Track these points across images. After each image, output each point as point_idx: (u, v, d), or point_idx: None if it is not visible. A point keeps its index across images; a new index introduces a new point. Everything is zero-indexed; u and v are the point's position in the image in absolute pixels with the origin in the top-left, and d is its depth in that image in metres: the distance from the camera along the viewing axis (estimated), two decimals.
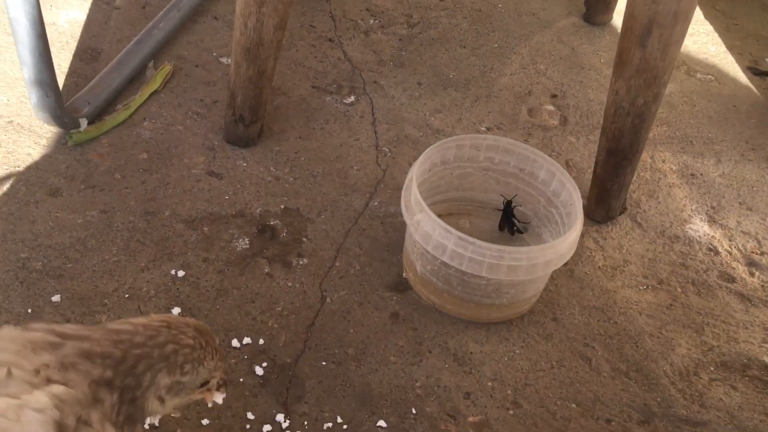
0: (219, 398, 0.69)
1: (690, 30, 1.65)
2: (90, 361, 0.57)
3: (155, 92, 1.24)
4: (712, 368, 1.00)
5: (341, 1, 1.56)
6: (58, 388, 0.52)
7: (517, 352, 0.98)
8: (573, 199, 1.00)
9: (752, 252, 1.17)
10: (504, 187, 1.10)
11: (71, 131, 1.12)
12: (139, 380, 0.60)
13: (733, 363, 1.01)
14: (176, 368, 0.62)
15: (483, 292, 0.96)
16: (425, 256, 0.96)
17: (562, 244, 0.93)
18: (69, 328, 0.60)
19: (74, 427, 0.51)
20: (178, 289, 0.97)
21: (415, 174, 0.98)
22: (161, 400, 0.62)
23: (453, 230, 0.91)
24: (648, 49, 0.98)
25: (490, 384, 0.93)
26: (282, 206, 1.11)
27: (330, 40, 1.45)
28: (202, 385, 0.66)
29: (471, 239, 0.90)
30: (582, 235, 1.15)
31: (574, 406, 0.93)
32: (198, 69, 1.32)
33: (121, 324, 0.62)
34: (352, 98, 1.33)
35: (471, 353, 0.97)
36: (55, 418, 0.50)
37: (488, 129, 1.32)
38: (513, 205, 1.09)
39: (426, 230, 0.93)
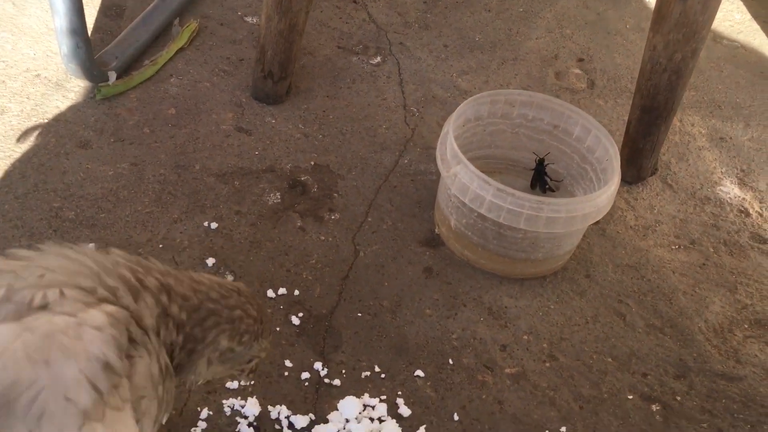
0: (249, 382, 0.69)
1: None
2: (170, 297, 0.57)
3: (181, 49, 1.23)
4: (746, 326, 1.00)
5: None
6: (110, 308, 0.51)
7: (552, 307, 0.97)
8: (609, 154, 0.99)
9: None
10: (537, 145, 1.09)
11: (99, 85, 1.10)
12: (205, 334, 0.60)
13: (767, 321, 1.01)
14: (237, 335, 0.62)
15: (519, 246, 0.95)
16: (461, 210, 0.96)
17: (601, 196, 0.92)
18: (154, 262, 0.60)
19: (127, 346, 0.51)
20: (211, 240, 0.96)
21: (451, 127, 0.96)
22: (210, 363, 0.62)
23: (492, 181, 0.90)
24: (689, 3, 0.97)
25: (525, 337, 0.93)
26: (312, 162, 1.10)
27: (354, 1, 1.43)
28: (249, 361, 0.66)
29: (510, 190, 0.90)
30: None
31: (610, 360, 0.93)
32: (223, 27, 1.30)
33: (200, 276, 0.62)
34: (379, 59, 1.32)
35: (506, 307, 0.96)
36: (113, 335, 0.49)
37: None
38: (546, 162, 1.08)
39: (463, 182, 0.92)
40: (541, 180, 1.09)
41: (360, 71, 1.28)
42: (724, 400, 0.90)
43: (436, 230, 1.04)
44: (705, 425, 0.87)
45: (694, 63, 1.03)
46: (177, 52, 1.22)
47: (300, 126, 1.16)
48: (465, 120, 1.04)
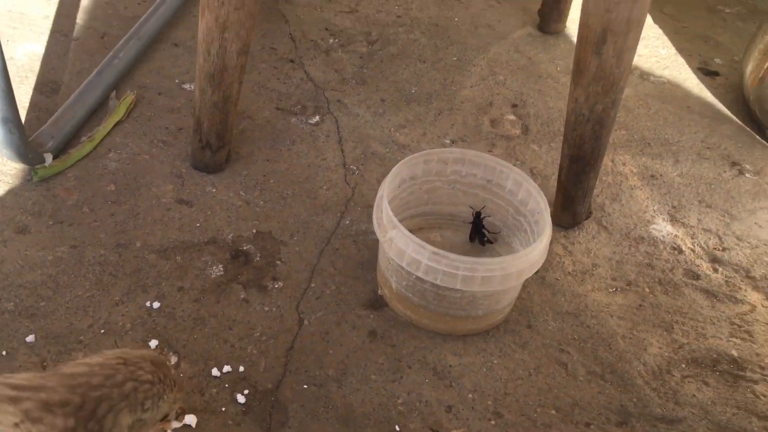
0: (179, 424, 0.69)
1: (642, 34, 1.70)
2: (51, 413, 0.56)
3: (119, 122, 1.24)
4: (683, 365, 1.03)
5: (300, 21, 1.57)
6: None
7: (495, 362, 0.99)
8: (540, 207, 1.02)
9: (714, 249, 1.21)
10: (472, 199, 1.12)
11: (36, 167, 1.10)
12: (102, 424, 0.59)
13: (703, 359, 1.04)
14: (137, 406, 0.61)
15: (458, 304, 0.97)
16: (400, 272, 0.98)
17: (533, 252, 0.95)
18: (21, 378, 0.58)
19: None
20: (154, 320, 0.96)
21: (385, 191, 0.99)
22: None
23: (426, 245, 0.92)
24: (603, 57, 1.01)
25: (470, 396, 0.95)
26: (254, 230, 1.11)
27: (291, 61, 1.46)
28: (163, 418, 0.66)
29: (444, 253, 0.92)
30: (551, 242, 1.18)
31: (553, 412, 0.95)
32: (161, 97, 1.32)
33: (75, 367, 0.61)
34: (317, 118, 1.34)
35: (450, 366, 0.98)
36: None
37: (452, 142, 1.34)
38: (482, 216, 1.11)
39: (400, 246, 0.94)
40: (479, 233, 1.11)
41: (299, 132, 1.31)
42: None
43: (379, 291, 1.05)
44: None
45: (615, 112, 1.08)
46: (115, 126, 1.23)
47: (241, 193, 1.17)
48: (401, 181, 1.06)
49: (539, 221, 1.02)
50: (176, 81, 1.35)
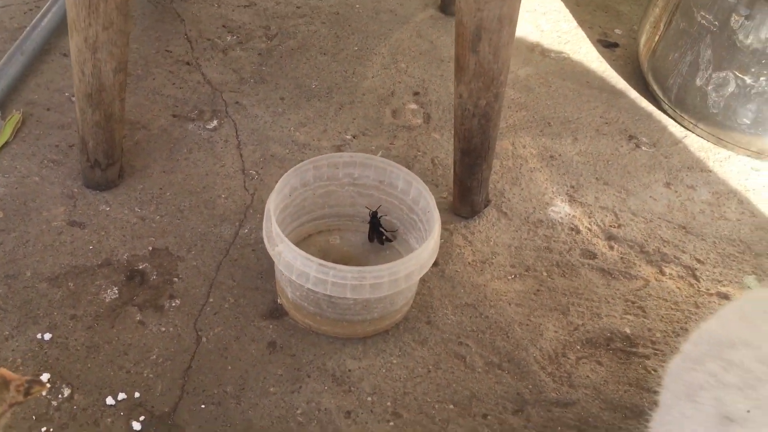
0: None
1: (542, 9, 1.71)
2: None
3: (6, 144, 1.21)
4: (578, 347, 1.06)
5: (196, 19, 1.54)
6: None
7: (395, 362, 1.01)
8: (429, 206, 1.03)
9: (610, 226, 1.24)
10: (368, 200, 1.12)
11: None
12: None
13: (598, 338, 1.08)
14: None
15: (353, 310, 0.98)
16: (293, 283, 0.98)
17: (422, 254, 0.96)
18: None
19: None
20: (45, 353, 0.95)
21: (272, 204, 0.99)
22: None
23: (313, 258, 0.93)
24: (481, 54, 1.02)
25: (369, 399, 0.96)
26: (150, 248, 1.10)
27: (188, 63, 1.43)
28: None
29: (331, 264, 0.92)
30: (451, 234, 1.20)
31: (451, 406, 0.97)
32: (50, 112, 1.28)
33: None
34: (215, 123, 1.33)
35: (349, 371, 0.99)
36: None
37: (354, 137, 1.34)
38: (379, 215, 1.12)
39: (288, 260, 0.94)
40: (377, 232, 1.12)
41: (197, 139, 1.29)
42: (559, 428, 0.96)
43: (279, 300, 1.06)
44: None
45: (499, 105, 1.09)
46: (1, 148, 1.20)
47: (136, 209, 1.16)
48: (291, 189, 1.06)
49: (429, 220, 1.03)
50: (66, 94, 1.32)
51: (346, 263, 1.08)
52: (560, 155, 1.36)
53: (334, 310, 0.98)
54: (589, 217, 1.25)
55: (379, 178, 1.10)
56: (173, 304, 1.03)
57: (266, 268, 1.10)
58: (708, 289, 1.15)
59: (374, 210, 1.12)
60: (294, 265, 0.94)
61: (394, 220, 1.13)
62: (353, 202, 1.13)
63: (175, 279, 1.07)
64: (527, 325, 1.08)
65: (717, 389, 0.65)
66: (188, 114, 1.33)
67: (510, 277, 1.15)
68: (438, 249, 1.01)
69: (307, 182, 1.08)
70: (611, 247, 1.21)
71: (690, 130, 1.42)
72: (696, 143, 1.41)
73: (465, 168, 1.16)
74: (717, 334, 0.71)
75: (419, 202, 1.06)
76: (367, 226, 1.13)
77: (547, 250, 1.19)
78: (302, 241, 1.13)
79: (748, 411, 0.60)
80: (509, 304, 1.11)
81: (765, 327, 0.68)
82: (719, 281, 1.17)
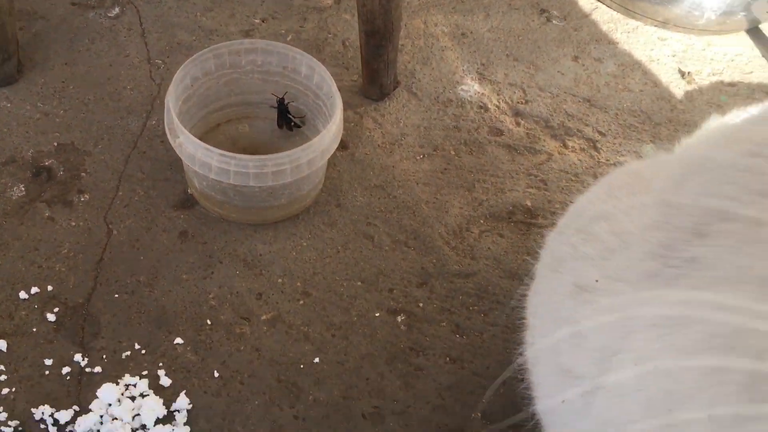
0: None
1: None
2: None
3: None
4: (482, 221, 1.12)
5: None
6: None
7: (305, 244, 1.05)
8: (332, 91, 1.04)
9: (518, 102, 1.27)
10: (274, 87, 1.12)
11: None
12: None
13: (500, 212, 1.13)
14: None
15: (259, 197, 1.01)
16: (198, 174, 1.00)
17: (323, 140, 0.98)
18: None
19: None
20: None
21: (172, 96, 0.98)
22: None
23: (213, 149, 0.94)
24: None
25: (280, 281, 1.01)
26: (55, 143, 1.10)
27: None
28: None
29: (231, 155, 0.94)
30: (361, 117, 1.21)
31: (359, 283, 1.02)
32: None
33: None
34: (117, 10, 1.28)
35: (260, 255, 1.03)
36: None
37: (263, 20, 1.31)
38: (286, 102, 1.12)
39: (189, 151, 0.95)
40: (285, 118, 1.13)
41: (98, 28, 1.25)
42: (460, 297, 1.03)
43: (189, 190, 1.07)
44: (444, 323, 1.00)
45: None
46: None
47: (39, 104, 1.14)
48: (192, 79, 1.05)
49: (332, 105, 1.04)
50: None
51: (255, 151, 1.10)
52: (472, 32, 1.36)
53: (241, 198, 1.01)
54: (498, 95, 1.27)
55: (283, 64, 1.09)
56: (82, 199, 1.04)
57: (176, 158, 1.10)
58: (608, 160, 1.20)
59: (281, 97, 1.12)
60: (196, 156, 0.95)
61: (301, 106, 1.13)
62: (259, 89, 1.13)
63: (83, 174, 1.07)
64: (434, 203, 1.13)
65: (575, 260, 0.69)
66: (88, 1, 1.28)
67: (419, 157, 1.18)
68: (341, 134, 1.03)
69: (209, 71, 1.07)
70: (518, 124, 1.24)
71: (600, 1, 1.43)
72: (606, 15, 1.42)
73: (371, 50, 1.15)
74: (585, 208, 0.75)
75: (323, 87, 1.07)
76: (276, 113, 1.14)
77: (455, 129, 1.22)
78: (211, 131, 1.14)
79: (597, 281, 0.65)
80: (417, 184, 1.14)
81: (627, 200, 0.72)
82: (618, 152, 1.22)
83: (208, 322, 0.96)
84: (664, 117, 1.27)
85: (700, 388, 0.54)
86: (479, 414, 0.93)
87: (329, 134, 0.99)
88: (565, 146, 1.22)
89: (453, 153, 1.19)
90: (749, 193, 0.58)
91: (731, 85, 1.32)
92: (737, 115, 0.89)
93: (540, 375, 0.74)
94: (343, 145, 1.17)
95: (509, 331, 0.99)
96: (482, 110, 1.25)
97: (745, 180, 0.59)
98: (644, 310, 0.61)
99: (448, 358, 0.97)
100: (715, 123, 0.95)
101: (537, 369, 0.75)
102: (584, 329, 0.66)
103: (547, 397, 0.72)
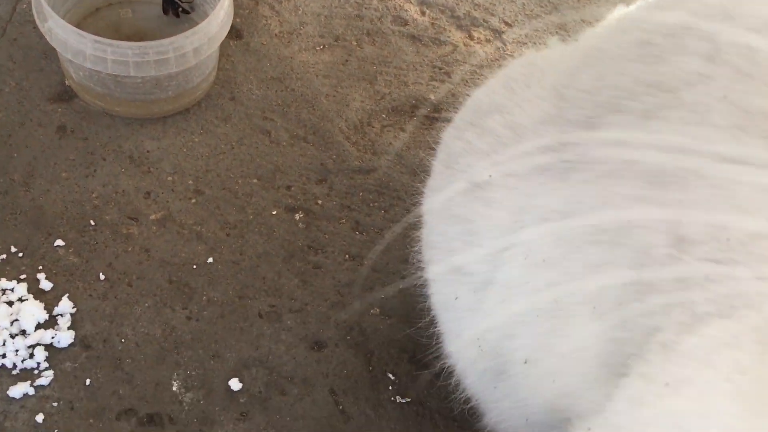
0: None
1: None
2: None
3: None
4: (384, 115, 1.08)
5: None
6: None
7: (197, 140, 1.00)
8: None
9: None
10: None
11: None
12: None
13: (403, 106, 1.10)
14: None
15: (143, 89, 0.94)
16: (73, 63, 0.91)
17: (209, 26, 0.91)
18: None
19: None
20: None
21: None
22: None
23: (87, 34, 0.86)
24: None
25: (170, 178, 0.96)
26: None
27: None
28: None
29: (108, 41, 0.86)
30: (257, 3, 1.13)
31: (255, 180, 0.98)
32: None
33: None
34: None
35: (148, 152, 0.97)
36: None
37: None
38: None
39: (60, 37, 0.87)
40: (171, 3, 1.04)
41: None
42: (361, 194, 1.01)
43: (67, 81, 0.99)
44: (344, 221, 0.98)
45: None
46: None
47: None
48: None
49: None
50: None
51: (140, 38, 1.02)
52: None
53: (123, 90, 0.94)
54: None
55: None
56: None
57: (51, 47, 1.01)
58: (512, 52, 1.18)
59: None
60: (68, 43, 0.87)
61: None
62: None
63: None
64: (334, 96, 1.08)
65: (468, 155, 0.67)
66: None
67: (318, 48, 1.12)
68: (231, 20, 0.96)
69: None
70: (423, 13, 1.19)
71: None
72: None
73: None
74: (481, 101, 0.73)
75: None
76: None
77: (357, 18, 1.16)
78: (89, 16, 1.04)
79: (490, 176, 0.64)
80: (316, 76, 1.09)
81: (522, 93, 0.70)
82: (523, 43, 1.19)
83: (92, 222, 0.90)
84: (570, 6, 1.24)
85: (584, 281, 0.54)
86: (378, 309, 0.92)
87: (216, 20, 0.92)
88: (471, 37, 1.18)
89: (355, 43, 1.14)
90: (639, 84, 0.56)
91: None
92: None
93: (434, 272, 0.73)
94: (237, 34, 1.09)
95: (410, 228, 0.98)
96: None
97: (636, 70, 0.58)
98: (534, 204, 0.61)
99: (347, 255, 0.96)
100: (619, 13, 0.93)
101: (431, 267, 0.74)
102: (475, 226, 0.65)
103: (441, 294, 0.72)
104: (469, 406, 0.73)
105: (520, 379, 0.61)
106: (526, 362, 0.59)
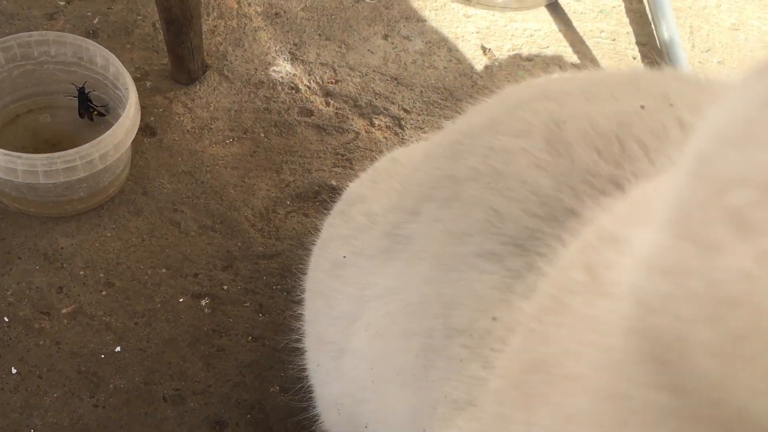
0: None
1: None
2: None
3: None
4: (288, 202, 1.17)
5: None
6: None
7: (109, 235, 1.08)
8: (127, 83, 1.05)
9: (329, 82, 1.32)
10: (73, 76, 1.12)
11: None
12: None
13: (306, 193, 1.19)
14: None
15: (55, 192, 1.02)
16: None
17: (115, 134, 1.00)
18: None
19: None
20: None
21: None
22: None
23: None
24: None
25: (82, 273, 1.03)
26: None
27: None
28: None
29: (16, 154, 0.95)
30: (171, 102, 1.23)
31: (164, 270, 1.06)
32: None
33: None
34: None
35: (62, 248, 1.05)
36: None
37: (68, 2, 1.29)
38: (86, 90, 1.12)
39: None
40: (86, 108, 1.13)
41: None
42: (264, 277, 1.09)
43: None
44: (248, 304, 1.06)
45: None
46: None
47: None
48: None
49: (127, 97, 1.05)
50: None
51: (59, 142, 1.10)
52: (285, 12, 1.39)
53: (36, 194, 1.02)
54: (309, 75, 1.32)
55: (78, 55, 1.09)
56: None
57: None
58: (411, 137, 1.28)
59: (80, 86, 1.12)
60: None
61: (103, 95, 1.14)
62: (58, 79, 1.12)
63: None
64: (241, 186, 1.17)
65: (333, 240, 0.77)
66: None
67: (228, 141, 1.21)
68: (137, 125, 1.05)
69: None
70: (327, 104, 1.29)
71: None
72: None
73: (173, 37, 1.17)
74: (352, 192, 0.83)
75: (119, 78, 1.08)
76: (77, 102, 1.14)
77: (266, 111, 1.26)
78: (10, 123, 1.12)
79: (344, 257, 0.73)
80: (225, 168, 1.18)
81: (381, 184, 0.79)
82: (421, 128, 1.29)
83: (6, 319, 0.97)
84: (466, 93, 1.35)
85: (397, 349, 0.62)
86: (277, 387, 1.00)
87: (122, 128, 1.01)
88: (372, 125, 1.28)
89: (263, 135, 1.23)
90: (443, 179, 0.65)
91: (528, 59, 1.42)
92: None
93: (307, 344, 0.82)
94: (151, 132, 1.18)
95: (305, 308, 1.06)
96: (293, 91, 1.29)
97: (444, 165, 0.67)
98: (375, 281, 0.69)
99: (250, 337, 1.03)
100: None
101: (305, 339, 0.82)
102: (333, 301, 0.74)
103: (311, 362, 0.81)
104: None
105: None
106: (366, 427, 0.67)
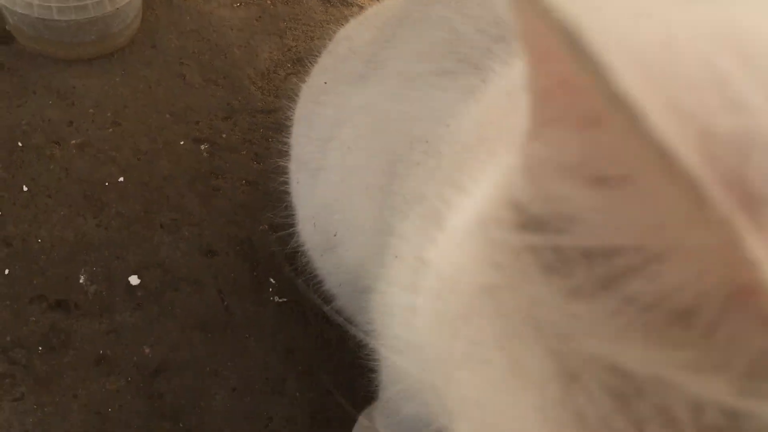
0: None
1: None
2: None
3: None
4: (289, 65, 1.23)
5: None
6: None
7: (118, 80, 1.14)
8: None
9: None
10: None
11: None
12: None
13: (308, 57, 1.24)
14: None
15: (68, 32, 1.08)
16: (7, 8, 1.06)
17: None
18: None
19: None
20: None
21: None
22: None
23: None
24: None
25: (91, 111, 1.10)
26: None
27: None
28: None
29: None
30: None
31: (168, 116, 1.13)
32: None
33: None
34: None
35: (74, 88, 1.12)
36: None
37: None
38: None
39: None
40: None
41: None
42: (261, 130, 1.15)
43: (6, 26, 1.14)
44: (244, 152, 1.13)
45: None
46: None
47: None
48: None
49: None
50: None
51: None
52: None
53: (51, 33, 1.08)
54: None
55: None
56: None
57: None
58: None
59: None
60: None
61: None
62: None
63: None
64: (245, 47, 1.22)
65: (321, 74, 0.83)
66: None
67: (236, 5, 1.26)
68: None
69: None
70: None
71: None
72: None
73: None
74: (341, 33, 0.88)
75: None
76: None
77: None
78: None
79: (325, 82, 0.79)
80: (231, 30, 1.24)
81: (368, 23, 0.84)
82: None
83: (20, 144, 1.05)
84: None
85: (366, 165, 0.69)
86: (266, 226, 1.07)
87: None
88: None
89: (269, 2, 1.28)
90: (415, 2, 0.71)
91: None
92: None
93: (291, 171, 0.89)
94: None
95: None
96: None
97: None
98: (351, 103, 0.75)
99: (244, 181, 1.10)
100: None
101: (291, 165, 0.89)
102: (314, 123, 0.80)
103: (292, 182, 0.88)
104: (332, 304, 0.88)
105: (338, 250, 0.76)
106: (335, 235, 0.74)
